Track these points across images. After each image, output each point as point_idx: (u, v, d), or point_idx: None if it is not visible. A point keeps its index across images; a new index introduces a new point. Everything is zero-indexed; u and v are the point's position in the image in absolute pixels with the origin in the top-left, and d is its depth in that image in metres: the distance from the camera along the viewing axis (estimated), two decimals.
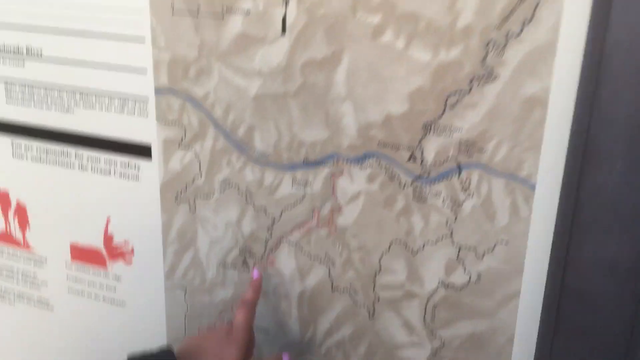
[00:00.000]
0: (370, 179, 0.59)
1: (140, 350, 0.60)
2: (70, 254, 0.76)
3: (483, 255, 0.56)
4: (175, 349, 0.61)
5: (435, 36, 0.52)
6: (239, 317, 0.61)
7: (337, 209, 0.61)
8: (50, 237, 0.77)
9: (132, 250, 0.73)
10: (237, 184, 0.65)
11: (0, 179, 0.77)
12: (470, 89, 0.52)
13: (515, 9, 0.49)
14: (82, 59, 0.67)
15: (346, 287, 0.63)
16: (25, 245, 0.78)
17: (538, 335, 0.56)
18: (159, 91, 0.64)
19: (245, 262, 0.68)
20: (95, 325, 0.78)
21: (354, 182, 0.60)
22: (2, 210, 0.78)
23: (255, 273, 0.65)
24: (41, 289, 0.80)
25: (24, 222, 0.77)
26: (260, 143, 0.62)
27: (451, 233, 0.57)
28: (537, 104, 0.51)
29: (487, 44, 0.50)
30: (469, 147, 0.54)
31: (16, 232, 0.78)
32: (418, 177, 0.57)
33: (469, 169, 0.55)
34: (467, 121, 0.53)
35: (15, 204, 0.77)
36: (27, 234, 0.78)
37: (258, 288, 0.64)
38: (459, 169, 0.55)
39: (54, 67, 0.68)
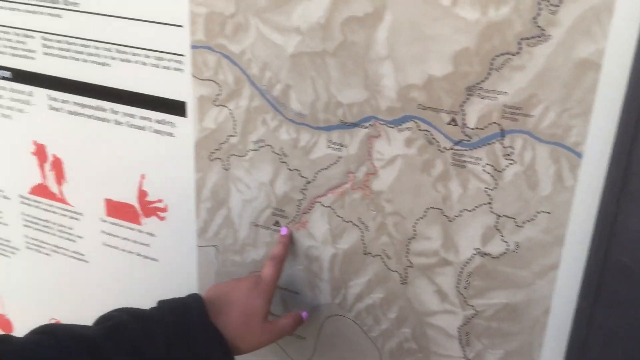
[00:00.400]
0: (408, 142, 0.57)
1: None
2: (105, 209, 0.77)
3: (523, 224, 0.54)
4: (204, 294, 0.61)
5: None
6: (267, 271, 0.63)
7: (372, 172, 0.60)
8: (86, 191, 0.77)
9: (166, 207, 0.73)
10: (272, 143, 0.64)
11: (36, 132, 0.77)
12: (519, 51, 0.50)
13: None
14: (119, 13, 0.66)
15: (379, 252, 0.63)
16: (62, 198, 0.79)
17: (576, 309, 0.54)
18: (195, 47, 0.63)
19: (277, 223, 0.67)
20: (128, 279, 0.79)
21: (391, 145, 0.58)
22: (38, 163, 0.79)
23: (283, 229, 0.66)
24: (77, 242, 0.81)
25: (59, 176, 0.78)
26: (296, 103, 0.61)
27: (490, 201, 0.55)
28: (590, 67, 0.48)
29: (540, 2, 0.48)
30: (514, 111, 0.52)
31: (52, 185, 0.79)
32: (458, 142, 0.55)
33: (513, 135, 0.52)
34: (513, 85, 0.51)
35: (52, 157, 0.78)
36: (63, 187, 0.79)
37: (286, 244, 0.66)
38: (502, 134, 0.53)
39: (91, 20, 0.68)
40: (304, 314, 0.66)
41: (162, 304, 0.61)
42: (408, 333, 0.64)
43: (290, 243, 0.66)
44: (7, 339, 0.54)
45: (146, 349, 0.56)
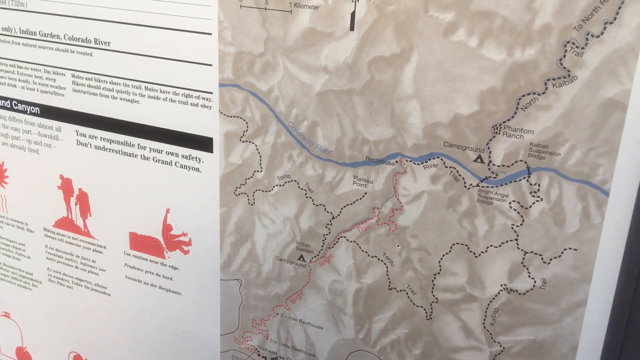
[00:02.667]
0: (434, 179, 0.58)
1: None
2: (129, 243, 0.78)
3: (550, 261, 0.55)
4: None
5: (510, 35, 0.51)
6: None
7: (398, 208, 0.61)
8: (110, 225, 0.78)
9: (190, 241, 0.74)
10: (297, 179, 0.65)
11: (64, 167, 0.79)
12: (545, 91, 0.51)
13: (597, 8, 0.47)
14: (150, 52, 0.68)
15: (404, 287, 0.63)
16: (86, 232, 0.80)
17: (604, 345, 0.54)
18: (223, 85, 0.65)
19: (301, 257, 0.68)
20: (151, 312, 0.79)
21: (417, 182, 0.59)
22: (64, 197, 0.80)
23: None
24: (99, 275, 0.82)
25: (85, 210, 0.79)
26: (322, 139, 0.62)
27: (517, 237, 0.56)
28: (616, 107, 0.49)
29: (566, 44, 0.49)
30: (540, 150, 0.53)
31: (77, 219, 0.80)
32: (484, 179, 0.56)
33: (539, 172, 0.53)
34: (539, 123, 0.52)
35: (78, 191, 0.79)
36: (88, 221, 0.80)
37: None
38: (529, 172, 0.54)
39: (122, 58, 0.70)
40: None
41: None
42: None
43: None
44: None
45: None
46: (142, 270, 0.78)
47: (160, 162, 0.72)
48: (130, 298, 0.80)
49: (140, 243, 0.77)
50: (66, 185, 0.79)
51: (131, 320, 0.82)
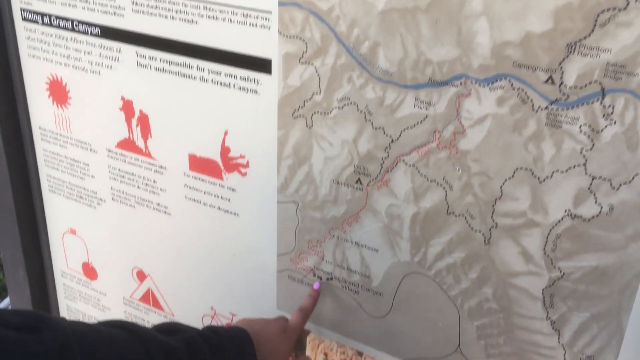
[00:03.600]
0: (500, 101, 0.56)
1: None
2: (188, 164, 0.79)
3: (619, 186, 0.53)
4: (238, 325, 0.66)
5: None
6: (295, 320, 0.72)
7: (460, 132, 0.60)
8: (170, 146, 0.80)
9: (248, 163, 0.75)
10: (357, 101, 0.64)
11: (124, 88, 0.80)
12: (627, 6, 0.48)
13: None
14: None
15: (462, 211, 0.63)
16: (147, 153, 0.82)
17: None
18: (282, 3, 0.64)
19: (359, 181, 0.68)
20: (209, 232, 0.82)
21: (482, 104, 0.57)
22: (126, 118, 0.82)
23: (316, 284, 0.75)
24: (160, 195, 0.84)
25: (145, 131, 0.81)
26: (384, 60, 0.61)
27: (585, 162, 0.54)
28: None
29: None
30: (617, 70, 0.50)
31: (138, 140, 0.82)
32: (554, 101, 0.54)
33: (614, 94, 0.51)
34: (618, 41, 0.49)
35: (139, 113, 0.80)
36: (149, 142, 0.82)
37: (316, 298, 0.74)
38: (603, 93, 0.51)
39: None
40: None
41: (220, 333, 0.63)
42: (489, 293, 0.64)
43: (318, 297, 0.75)
44: (97, 330, 0.53)
45: None
46: (201, 191, 0.80)
47: (218, 84, 0.72)
48: (190, 218, 0.83)
49: (199, 164, 0.79)
50: (127, 107, 0.81)
51: (191, 239, 0.85)
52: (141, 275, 0.93)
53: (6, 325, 0.44)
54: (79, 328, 0.50)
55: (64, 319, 0.50)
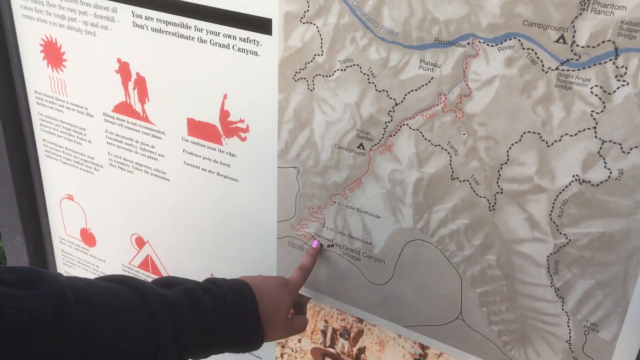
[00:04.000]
0: (509, 62, 0.54)
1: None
2: (186, 129, 0.78)
3: (630, 150, 0.52)
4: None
5: None
6: (295, 276, 0.71)
7: (466, 94, 0.58)
8: (168, 110, 0.78)
9: (247, 128, 0.73)
10: (360, 63, 0.62)
11: (120, 50, 0.78)
12: None
13: None
14: None
15: (467, 177, 0.61)
16: (144, 117, 0.81)
17: None
18: None
19: (361, 146, 0.66)
20: (208, 198, 0.81)
21: (490, 65, 0.55)
22: (122, 81, 0.80)
23: (314, 243, 0.74)
24: (158, 161, 0.83)
25: (143, 94, 0.79)
26: (388, 19, 0.59)
27: (595, 125, 0.52)
28: None
29: None
30: (632, 28, 0.48)
31: (135, 104, 0.80)
32: (565, 62, 0.52)
33: (628, 54, 0.49)
34: None
35: (135, 75, 0.78)
36: (146, 106, 0.80)
37: (315, 256, 0.73)
38: (616, 53, 0.49)
39: None
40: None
41: (219, 284, 0.63)
42: (492, 260, 0.63)
43: (318, 255, 0.73)
44: (94, 284, 0.52)
45: (212, 320, 0.59)
46: (200, 156, 0.78)
47: (217, 45, 0.70)
48: (189, 184, 0.82)
49: (198, 129, 0.77)
50: (124, 69, 0.79)
51: (190, 205, 0.83)
52: (140, 242, 0.92)
53: (1, 282, 0.43)
54: (76, 283, 0.50)
55: (60, 275, 0.50)
